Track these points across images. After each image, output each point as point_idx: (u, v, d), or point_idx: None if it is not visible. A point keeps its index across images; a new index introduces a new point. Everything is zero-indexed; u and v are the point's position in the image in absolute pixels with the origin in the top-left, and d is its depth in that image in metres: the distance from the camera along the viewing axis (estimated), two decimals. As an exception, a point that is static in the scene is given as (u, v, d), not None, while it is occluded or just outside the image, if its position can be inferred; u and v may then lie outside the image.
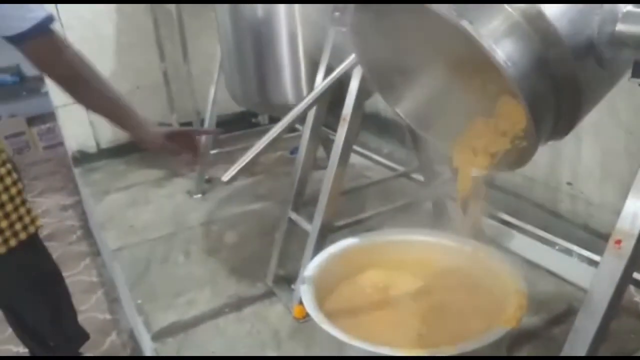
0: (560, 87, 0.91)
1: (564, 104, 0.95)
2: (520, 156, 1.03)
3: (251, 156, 1.38)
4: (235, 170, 1.37)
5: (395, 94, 1.26)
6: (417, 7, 0.92)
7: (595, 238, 1.91)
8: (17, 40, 1.25)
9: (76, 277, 2.53)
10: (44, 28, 1.26)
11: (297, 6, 1.82)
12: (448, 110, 1.22)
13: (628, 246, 0.95)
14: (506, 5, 0.87)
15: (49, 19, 1.28)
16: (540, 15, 0.85)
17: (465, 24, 0.84)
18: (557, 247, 1.93)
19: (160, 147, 1.54)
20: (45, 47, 1.29)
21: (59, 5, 2.98)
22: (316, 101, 1.59)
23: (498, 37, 0.85)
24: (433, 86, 1.23)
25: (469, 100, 1.17)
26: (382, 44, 1.17)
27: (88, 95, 1.45)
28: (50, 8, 2.92)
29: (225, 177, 1.35)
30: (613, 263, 0.97)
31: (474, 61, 1.08)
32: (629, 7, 0.89)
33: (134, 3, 3.14)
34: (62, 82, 1.38)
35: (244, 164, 1.37)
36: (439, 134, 1.25)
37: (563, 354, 1.02)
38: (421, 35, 1.12)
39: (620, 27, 0.88)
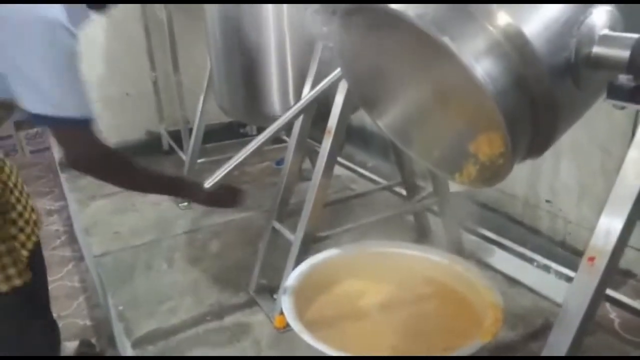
0: (537, 106, 0.94)
1: (541, 122, 0.97)
2: (496, 172, 1.06)
3: (234, 163, 1.39)
4: (219, 177, 1.38)
5: (379, 108, 1.28)
6: (401, 23, 0.95)
7: (573, 255, 1.95)
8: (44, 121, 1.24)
9: (58, 282, 2.51)
10: (80, 123, 1.26)
11: (286, 20, 1.85)
12: (428, 126, 1.25)
13: (601, 263, 0.97)
14: (486, 24, 0.90)
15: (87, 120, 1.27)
16: (519, 35, 0.87)
17: (446, 40, 0.86)
18: (535, 264, 1.96)
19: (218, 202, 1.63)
20: (66, 138, 1.29)
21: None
22: (302, 112, 1.61)
23: (478, 54, 0.88)
24: (415, 103, 1.26)
25: (449, 119, 1.19)
26: (367, 59, 1.20)
27: (127, 185, 1.48)
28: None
29: (208, 184, 1.37)
30: (586, 279, 0.98)
31: (455, 81, 1.12)
32: (605, 31, 0.92)
33: (128, 3, 3.14)
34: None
35: (227, 170, 1.38)
36: (419, 149, 1.27)
37: (538, 368, 1.04)
38: (405, 52, 1.15)
39: (596, 49, 0.90)
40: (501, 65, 0.89)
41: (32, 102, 1.20)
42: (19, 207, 1.50)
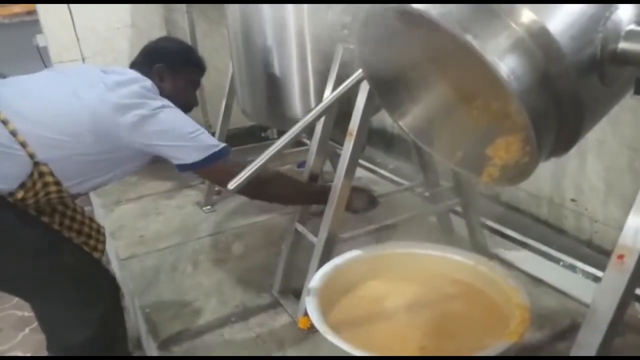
0: (562, 103, 0.93)
1: (566, 120, 0.96)
2: (520, 171, 1.05)
3: (258, 165, 1.40)
4: (242, 179, 1.39)
5: (400, 108, 1.28)
6: (423, 23, 0.95)
7: (600, 254, 1.92)
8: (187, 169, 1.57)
9: (85, 285, 2.56)
10: (210, 160, 1.55)
11: (307, 24, 1.86)
12: (450, 127, 1.25)
13: (631, 261, 0.96)
14: (510, 21, 0.89)
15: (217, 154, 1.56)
16: (544, 32, 0.87)
17: (469, 38, 0.86)
18: (561, 263, 1.94)
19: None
20: (214, 172, 1.60)
21: (75, 19, 3.06)
22: (323, 113, 1.62)
23: (502, 52, 0.87)
24: (437, 102, 1.25)
25: (471, 119, 1.19)
26: (388, 60, 1.20)
27: (271, 198, 1.74)
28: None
29: (232, 185, 1.38)
30: (616, 278, 0.97)
31: (478, 80, 1.12)
32: (632, 26, 0.91)
33: (147, 3, 3.20)
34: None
35: (250, 172, 1.39)
36: (441, 149, 1.27)
37: (567, 369, 1.02)
38: (427, 52, 1.15)
39: (623, 45, 0.89)
40: (525, 63, 0.88)
41: (178, 160, 1.55)
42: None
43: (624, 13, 0.90)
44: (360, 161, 2.91)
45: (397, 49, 1.16)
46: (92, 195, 3.16)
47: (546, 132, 0.95)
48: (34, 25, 3.31)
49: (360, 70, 1.52)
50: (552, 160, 1.06)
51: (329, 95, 1.75)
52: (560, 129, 0.97)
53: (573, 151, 1.06)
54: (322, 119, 1.78)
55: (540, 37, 0.87)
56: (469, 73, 1.15)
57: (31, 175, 1.45)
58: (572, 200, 2.05)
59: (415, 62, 1.20)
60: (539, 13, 0.87)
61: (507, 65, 0.86)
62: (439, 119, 1.27)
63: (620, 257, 0.97)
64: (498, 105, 1.13)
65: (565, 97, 0.92)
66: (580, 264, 1.89)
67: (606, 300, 0.98)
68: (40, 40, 3.33)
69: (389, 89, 1.27)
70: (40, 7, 3.04)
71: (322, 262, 1.59)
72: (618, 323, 0.99)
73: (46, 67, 3.89)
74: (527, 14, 0.87)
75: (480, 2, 0.90)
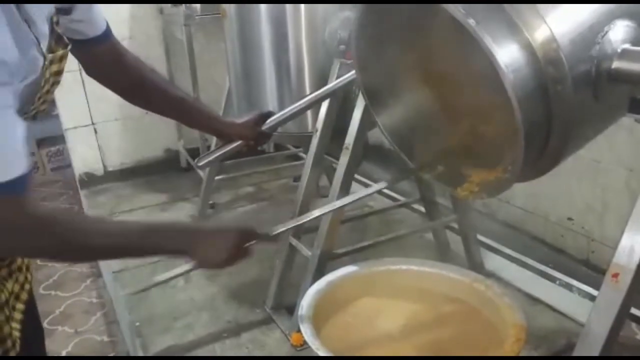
0: (554, 117, 0.92)
1: (554, 135, 0.95)
2: (500, 185, 1.05)
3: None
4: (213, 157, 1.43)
5: (386, 111, 1.27)
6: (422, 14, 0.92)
7: (597, 273, 1.90)
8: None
9: (76, 298, 2.52)
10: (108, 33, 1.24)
11: (304, 38, 1.87)
12: (433, 140, 1.25)
13: (625, 280, 0.95)
14: (515, 18, 0.87)
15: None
16: (544, 27, 0.85)
17: (471, 22, 0.84)
18: (557, 282, 1.92)
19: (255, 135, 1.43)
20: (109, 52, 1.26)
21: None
22: (313, 104, 1.66)
23: (500, 40, 0.85)
24: (425, 116, 1.26)
25: (456, 139, 1.20)
26: (382, 61, 1.19)
27: (152, 99, 1.35)
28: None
29: (201, 162, 1.44)
30: (610, 297, 0.96)
31: (474, 94, 1.12)
32: (626, 45, 0.91)
33: (145, 3, 3.21)
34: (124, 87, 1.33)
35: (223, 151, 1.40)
36: (419, 160, 1.26)
37: (562, 388, 1.01)
38: (424, 63, 1.16)
39: (617, 64, 0.90)
40: (523, 57, 0.86)
41: None
42: None
43: (618, 33, 0.90)
44: (356, 176, 2.90)
45: (392, 51, 1.16)
46: (85, 207, 3.14)
47: (533, 142, 0.93)
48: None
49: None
50: (549, 178, 1.05)
51: (325, 111, 1.76)
52: (546, 143, 0.96)
53: (570, 170, 1.06)
54: (319, 133, 1.78)
55: (545, 41, 0.86)
56: (468, 87, 1.16)
57: None
58: (569, 219, 2.04)
59: (410, 72, 1.21)
60: (543, 11, 0.86)
61: (504, 56, 0.84)
62: (422, 132, 1.27)
63: (615, 275, 0.96)
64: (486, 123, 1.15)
65: (559, 110, 0.91)
66: (576, 283, 1.87)
67: (601, 319, 0.97)
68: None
69: (379, 89, 1.25)
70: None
71: (316, 278, 1.57)
72: (613, 342, 0.98)
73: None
74: (531, 11, 0.86)
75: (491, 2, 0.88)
